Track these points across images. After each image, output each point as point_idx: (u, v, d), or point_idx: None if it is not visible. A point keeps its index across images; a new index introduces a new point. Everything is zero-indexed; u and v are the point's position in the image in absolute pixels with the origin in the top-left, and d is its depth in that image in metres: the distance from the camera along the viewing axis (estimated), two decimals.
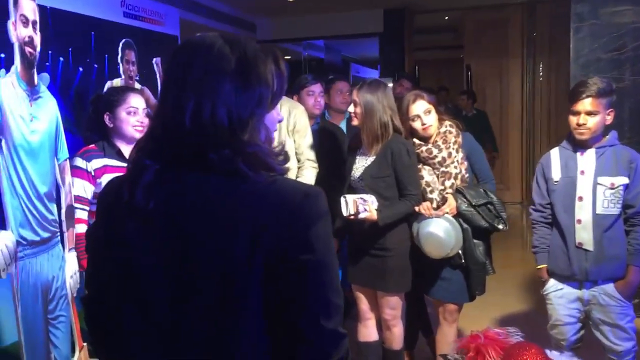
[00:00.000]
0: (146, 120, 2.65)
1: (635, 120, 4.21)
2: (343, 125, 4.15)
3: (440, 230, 2.82)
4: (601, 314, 2.65)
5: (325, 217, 1.06)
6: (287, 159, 1.10)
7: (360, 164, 2.99)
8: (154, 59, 4.30)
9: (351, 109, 2.94)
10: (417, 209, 2.88)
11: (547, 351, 2.02)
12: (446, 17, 9.14)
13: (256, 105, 1.07)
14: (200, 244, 1.03)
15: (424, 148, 2.93)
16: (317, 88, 3.83)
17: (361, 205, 2.77)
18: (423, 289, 3.09)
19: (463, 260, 2.89)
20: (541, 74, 7.91)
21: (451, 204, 2.86)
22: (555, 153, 2.76)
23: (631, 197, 2.59)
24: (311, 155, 3.60)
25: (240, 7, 7.31)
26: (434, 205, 2.89)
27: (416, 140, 2.95)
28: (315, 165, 3.62)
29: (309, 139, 3.59)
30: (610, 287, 2.62)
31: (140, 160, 1.08)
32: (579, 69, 4.34)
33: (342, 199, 2.81)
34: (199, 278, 1.02)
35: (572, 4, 4.45)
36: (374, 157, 2.91)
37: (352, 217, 2.79)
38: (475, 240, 2.89)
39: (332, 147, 3.80)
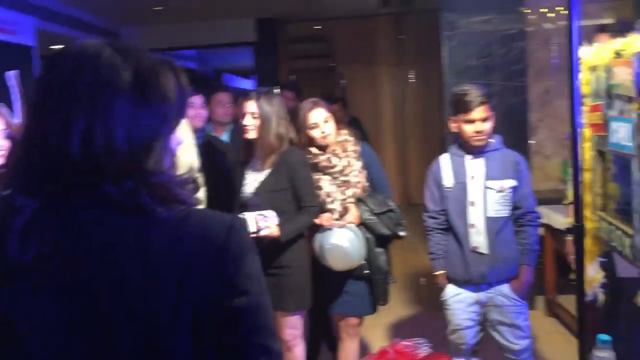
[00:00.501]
0: (5, 143, 2.30)
1: (506, 124, 4.44)
2: (225, 138, 3.98)
3: (344, 241, 2.74)
4: (498, 315, 2.70)
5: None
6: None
7: (253, 179, 2.83)
8: (8, 72, 3.84)
9: (248, 121, 2.78)
10: (317, 221, 2.78)
11: None
12: (317, 27, 9.22)
13: (160, 126, 0.89)
14: (111, 301, 0.82)
15: (323, 157, 2.84)
16: (197, 100, 3.62)
17: (262, 222, 2.62)
18: (326, 304, 2.99)
19: (367, 271, 2.84)
20: (411, 81, 8.21)
21: (354, 213, 2.79)
22: (445, 159, 2.78)
23: (519, 199, 2.66)
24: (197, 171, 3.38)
25: (102, 15, 6.84)
26: (336, 215, 2.81)
27: (314, 150, 2.86)
28: (201, 181, 3.40)
29: (190, 156, 3.36)
30: (505, 288, 2.68)
31: (10, 198, 0.85)
32: (454, 76, 4.50)
33: (241, 216, 2.64)
34: (115, 338, 0.82)
35: (442, 13, 4.61)
36: (269, 170, 2.77)
37: (253, 235, 2.62)
38: (377, 249, 2.84)
39: (218, 162, 3.60)
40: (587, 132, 2.25)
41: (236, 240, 0.87)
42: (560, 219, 3.66)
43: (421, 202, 4.21)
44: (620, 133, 1.85)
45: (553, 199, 3.84)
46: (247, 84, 10.55)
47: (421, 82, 8.42)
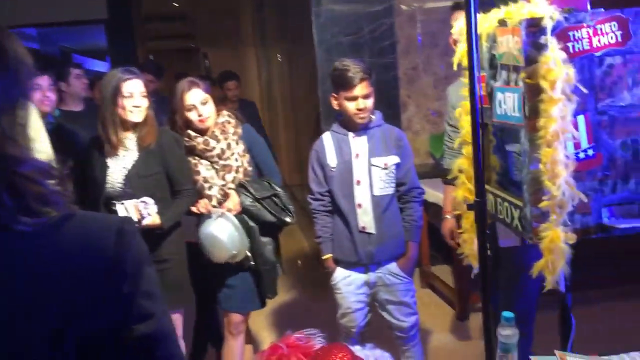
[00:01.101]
0: None
1: (378, 101, 4.43)
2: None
3: (222, 231, 2.54)
4: (387, 294, 2.66)
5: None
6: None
7: (118, 166, 2.54)
8: None
9: (139, 101, 2.51)
10: (193, 209, 2.57)
11: (352, 347, 1.91)
12: (176, 4, 8.75)
13: (21, 96, 0.66)
14: None
15: (200, 140, 2.62)
16: (44, 81, 3.21)
17: (144, 210, 2.34)
18: (211, 297, 2.79)
19: (253, 262, 2.67)
20: (279, 60, 8.05)
21: (234, 199, 2.60)
22: (327, 138, 2.67)
23: (402, 175, 2.63)
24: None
25: None
26: (214, 202, 2.61)
27: (191, 132, 2.63)
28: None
29: (45, 143, 2.96)
30: (393, 266, 2.64)
31: None
32: (324, 54, 4.40)
33: (120, 206, 2.35)
34: None
35: None
36: (137, 154, 2.50)
37: (136, 225, 2.34)
38: (263, 239, 2.68)
39: (72, 150, 3.22)
40: (466, 104, 2.23)
41: (129, 248, 0.67)
42: (434, 193, 3.73)
43: (291, 184, 4.09)
44: (507, 104, 1.83)
45: (424, 174, 3.90)
46: (102, 66, 9.79)
47: (289, 61, 8.30)
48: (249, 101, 5.88)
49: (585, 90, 1.70)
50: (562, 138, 1.67)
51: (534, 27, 1.68)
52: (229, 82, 5.10)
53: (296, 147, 7.32)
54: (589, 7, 1.88)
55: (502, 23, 1.84)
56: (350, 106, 2.52)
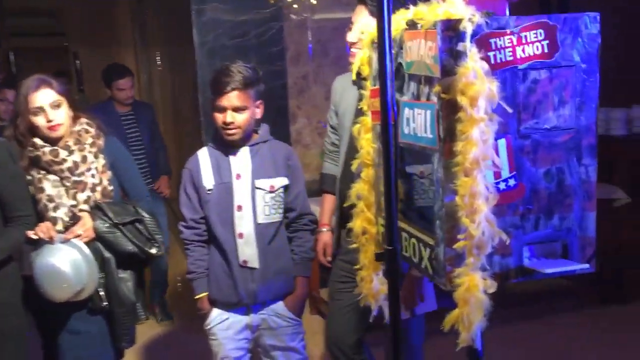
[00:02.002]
0: None
1: (266, 111, 4.07)
2: None
3: (65, 260, 2.07)
4: (272, 339, 2.28)
5: None
6: None
7: None
8: None
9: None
10: (30, 233, 2.07)
11: None
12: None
13: None
14: None
15: (47, 149, 2.11)
16: None
17: None
18: (53, 350, 2.27)
19: (105, 303, 2.19)
20: (159, 63, 7.44)
21: (86, 223, 2.12)
22: (203, 155, 2.25)
23: (291, 199, 2.27)
24: None
25: None
26: (59, 226, 2.11)
27: (38, 141, 2.12)
28: None
29: None
30: (280, 306, 2.27)
31: None
32: (205, 57, 3.98)
33: None
34: None
35: None
36: None
37: None
38: (121, 273, 2.21)
39: None
40: (367, 120, 1.92)
41: None
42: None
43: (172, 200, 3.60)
44: (416, 122, 1.53)
45: (314, 191, 3.59)
46: None
47: (171, 64, 7.71)
48: (146, 103, 5.10)
49: (509, 110, 1.42)
50: (482, 166, 1.38)
51: (450, 30, 1.39)
52: (120, 79, 3.95)
53: (180, 159, 6.75)
54: (507, 13, 1.63)
55: (412, 25, 1.53)
56: (218, 117, 2.14)
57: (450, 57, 1.39)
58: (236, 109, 2.12)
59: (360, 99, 2.22)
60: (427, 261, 1.57)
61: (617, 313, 3.82)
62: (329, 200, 2.42)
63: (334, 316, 2.36)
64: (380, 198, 1.87)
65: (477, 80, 1.36)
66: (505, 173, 1.46)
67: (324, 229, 2.44)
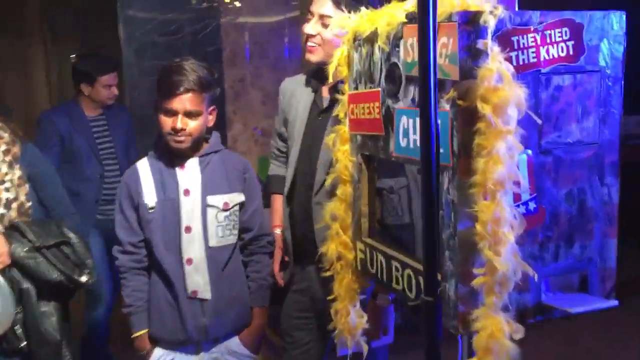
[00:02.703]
0: None
1: None
2: None
3: None
4: None
5: None
6: None
7: None
8: None
9: None
10: None
11: None
12: None
13: None
14: None
15: None
16: None
17: None
18: None
19: (24, 343, 1.82)
20: (73, 60, 6.84)
21: (0, 247, 1.74)
22: (144, 167, 1.91)
23: (248, 218, 1.97)
24: None
25: None
26: None
27: None
28: None
29: None
30: (234, 342, 1.96)
31: None
32: (133, 55, 3.59)
33: None
34: None
35: None
36: None
37: None
38: (43, 307, 1.84)
39: None
40: (343, 130, 1.67)
41: None
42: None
43: None
44: (418, 134, 1.29)
45: None
46: None
47: None
48: (121, 105, 4.30)
49: (539, 120, 1.21)
50: (507, 187, 1.16)
51: (470, 24, 1.15)
52: (107, 74, 3.07)
53: None
54: (517, 6, 1.42)
55: (412, 18, 1.29)
56: (167, 122, 1.81)
57: (469, 56, 1.16)
58: (189, 114, 1.81)
59: (326, 105, 1.96)
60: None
61: None
62: (279, 201, 2.14)
63: (292, 356, 2.08)
64: (361, 219, 1.62)
65: (504, 85, 1.13)
66: (526, 195, 1.25)
67: (277, 231, 2.13)
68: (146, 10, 3.59)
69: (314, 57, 1.91)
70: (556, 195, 1.28)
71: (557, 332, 3.38)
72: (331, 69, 1.64)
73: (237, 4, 4.08)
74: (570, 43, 1.24)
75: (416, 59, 1.27)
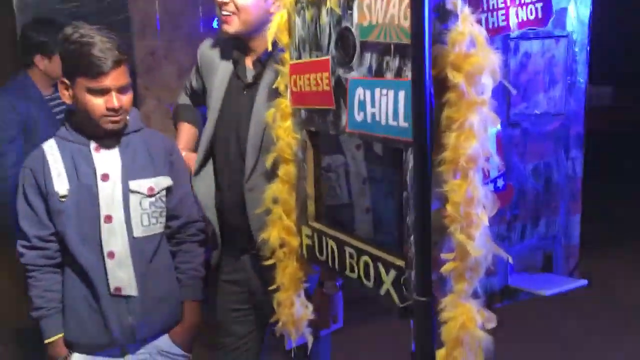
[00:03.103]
0: None
1: None
2: None
3: None
4: None
5: None
6: None
7: None
8: None
9: None
10: None
11: None
12: None
13: None
14: None
15: None
16: None
17: None
18: None
19: None
20: None
21: None
22: (52, 149, 1.66)
23: (175, 204, 1.77)
24: None
25: None
26: None
27: None
28: None
29: None
30: (164, 341, 1.77)
31: None
32: (30, 27, 3.21)
33: None
34: None
35: None
36: None
37: None
38: None
39: None
40: (285, 104, 1.51)
41: None
42: None
43: None
44: (378, 106, 1.16)
45: None
46: None
47: None
48: None
49: (513, 90, 1.11)
50: (480, 164, 1.05)
51: None
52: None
53: None
54: None
55: None
56: (97, 104, 1.58)
57: (437, 18, 1.03)
58: (121, 89, 1.58)
59: (250, 79, 1.78)
60: (391, 287, 1.21)
61: None
62: (187, 129, 2.01)
63: (230, 353, 1.92)
64: (307, 201, 1.48)
65: (477, 51, 1.02)
66: (494, 172, 1.15)
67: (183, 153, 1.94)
68: None
69: (230, 28, 1.71)
70: (523, 170, 1.20)
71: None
72: (269, 36, 1.47)
73: None
74: (539, 5, 1.14)
75: (374, 22, 1.14)
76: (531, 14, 1.14)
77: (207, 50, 1.91)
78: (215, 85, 1.84)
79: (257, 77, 1.76)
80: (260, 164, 1.65)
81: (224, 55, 1.84)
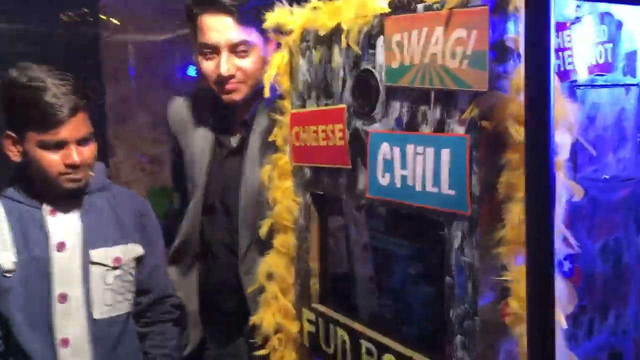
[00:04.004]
0: None
1: None
2: None
3: None
4: None
5: None
6: None
7: None
8: None
9: None
10: None
11: None
12: None
13: None
14: None
15: None
16: None
17: None
18: None
19: None
20: None
21: None
22: None
23: (146, 277, 1.48)
24: None
25: None
26: None
27: None
28: None
29: None
30: None
31: None
32: None
33: None
34: None
35: None
36: None
37: None
38: None
39: None
40: (283, 161, 1.26)
41: None
42: None
43: None
44: (411, 167, 0.91)
45: None
46: None
47: None
48: None
49: (592, 150, 0.88)
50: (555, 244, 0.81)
51: (500, 10, 0.80)
52: None
53: None
54: None
55: (399, 7, 0.92)
56: (53, 160, 1.30)
57: (496, 58, 0.80)
58: (81, 141, 1.31)
59: (236, 144, 1.51)
60: None
61: None
62: None
63: None
64: (309, 279, 1.21)
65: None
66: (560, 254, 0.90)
67: None
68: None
69: (238, 97, 1.45)
70: (591, 250, 0.96)
71: None
72: (266, 81, 1.23)
73: (119, 15, 3.55)
74: (608, 46, 0.93)
75: (407, 62, 0.91)
76: (600, 57, 0.92)
77: (179, 112, 1.63)
78: (195, 156, 1.56)
79: (243, 140, 1.50)
80: (258, 241, 1.37)
81: (200, 119, 1.56)
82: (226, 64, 1.40)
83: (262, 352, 1.30)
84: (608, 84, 0.94)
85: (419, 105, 0.91)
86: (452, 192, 0.85)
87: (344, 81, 1.06)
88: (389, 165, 0.96)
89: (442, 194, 0.87)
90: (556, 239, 0.83)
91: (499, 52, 0.80)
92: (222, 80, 1.42)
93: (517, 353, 0.84)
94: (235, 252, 1.46)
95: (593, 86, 0.92)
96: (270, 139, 1.28)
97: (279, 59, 1.22)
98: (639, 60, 0.97)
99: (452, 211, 0.85)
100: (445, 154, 0.85)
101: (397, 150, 0.94)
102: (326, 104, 1.11)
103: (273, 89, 1.24)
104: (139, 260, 1.46)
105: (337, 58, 1.07)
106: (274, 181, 1.26)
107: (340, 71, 1.06)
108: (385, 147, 0.96)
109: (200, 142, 1.56)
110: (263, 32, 1.36)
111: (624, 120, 0.97)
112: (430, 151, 0.88)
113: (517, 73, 0.80)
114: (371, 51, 0.99)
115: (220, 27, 1.39)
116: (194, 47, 1.49)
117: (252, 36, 1.39)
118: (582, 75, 0.90)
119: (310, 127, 1.15)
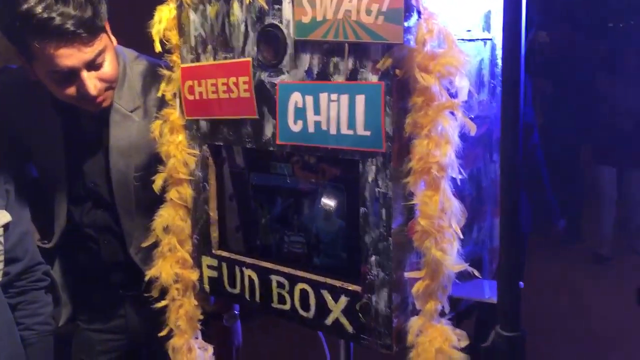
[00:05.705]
0: None
1: None
2: None
3: None
4: None
5: None
6: None
7: None
8: None
9: None
10: None
11: None
12: None
13: None
14: None
15: None
16: None
17: None
18: None
19: None
20: None
21: None
22: None
23: (14, 245, 1.40)
24: None
25: None
26: None
27: None
28: None
29: None
30: None
31: None
32: None
33: None
34: None
35: None
36: None
37: None
38: None
39: None
40: (174, 116, 1.27)
41: None
42: None
43: None
44: (326, 114, 1.01)
45: None
46: None
47: None
48: None
49: (474, 92, 1.06)
50: (450, 171, 0.99)
51: None
52: None
53: None
54: None
55: None
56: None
57: (405, 15, 0.94)
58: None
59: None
60: (341, 315, 1.08)
61: None
62: None
63: None
64: (209, 227, 1.26)
65: (448, 50, 0.95)
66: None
67: None
68: None
69: (109, 100, 1.38)
70: (463, 177, 1.16)
71: None
72: (156, 36, 1.22)
73: None
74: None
75: (319, 18, 1.00)
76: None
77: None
78: (42, 143, 1.44)
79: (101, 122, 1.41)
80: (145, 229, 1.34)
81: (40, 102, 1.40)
82: (91, 84, 1.29)
83: (161, 303, 1.33)
84: (473, 38, 1.13)
85: (330, 57, 1.01)
86: (367, 133, 0.98)
87: (246, 35, 1.11)
88: (300, 113, 1.05)
89: (357, 136, 0.99)
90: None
91: (407, 9, 0.93)
92: (90, 98, 1.31)
93: (421, 264, 1.01)
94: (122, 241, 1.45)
95: (463, 40, 1.10)
96: (158, 95, 1.28)
97: (166, 13, 1.22)
98: (493, 19, 1.18)
99: (367, 150, 0.98)
100: (360, 99, 0.97)
101: (309, 98, 1.03)
102: (225, 58, 1.15)
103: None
104: (5, 227, 1.37)
105: (237, 13, 1.12)
106: (165, 136, 1.27)
107: (242, 26, 1.11)
108: (296, 96, 1.05)
109: (48, 132, 1.43)
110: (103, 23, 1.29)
111: (483, 69, 1.17)
112: (344, 97, 0.99)
113: (420, 28, 0.95)
114: (277, 6, 1.06)
115: (71, 52, 1.23)
116: (29, 72, 1.31)
117: (103, 40, 1.29)
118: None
119: (206, 80, 1.18)
